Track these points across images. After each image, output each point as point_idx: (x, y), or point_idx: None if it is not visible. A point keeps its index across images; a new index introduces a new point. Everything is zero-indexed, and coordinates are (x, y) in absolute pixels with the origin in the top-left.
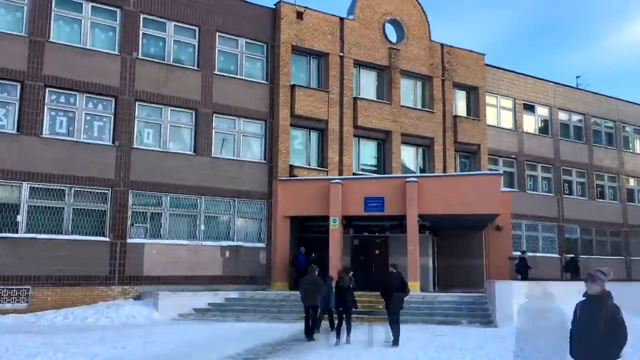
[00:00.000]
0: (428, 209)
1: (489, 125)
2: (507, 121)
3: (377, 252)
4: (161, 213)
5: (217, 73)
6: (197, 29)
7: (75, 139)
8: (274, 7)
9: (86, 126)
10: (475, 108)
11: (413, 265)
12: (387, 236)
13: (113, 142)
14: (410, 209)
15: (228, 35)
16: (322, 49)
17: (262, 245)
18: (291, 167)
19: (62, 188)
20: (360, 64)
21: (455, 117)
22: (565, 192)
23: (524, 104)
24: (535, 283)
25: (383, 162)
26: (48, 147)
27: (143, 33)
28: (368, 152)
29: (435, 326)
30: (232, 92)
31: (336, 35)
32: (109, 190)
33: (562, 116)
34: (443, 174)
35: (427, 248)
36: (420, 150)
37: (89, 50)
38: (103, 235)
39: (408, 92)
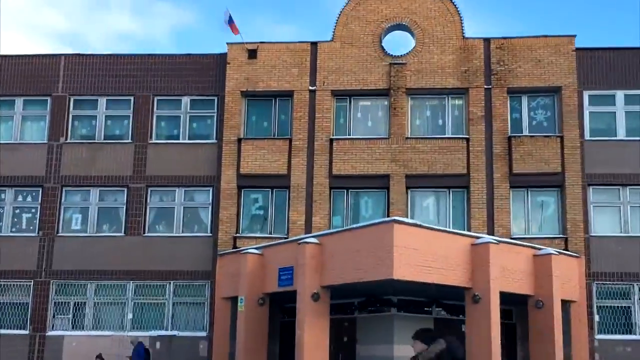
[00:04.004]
0: (329, 279)
1: (592, 140)
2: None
3: (345, 338)
4: (85, 302)
5: (154, 142)
6: (131, 98)
7: (2, 234)
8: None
9: (15, 219)
10: (559, 118)
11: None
12: (356, 317)
13: (38, 232)
14: (301, 281)
15: (168, 97)
16: (284, 87)
17: (203, 334)
18: (235, 238)
19: None
20: (344, 95)
21: (511, 138)
22: None
23: None
24: None
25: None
26: None
27: (73, 115)
28: (361, 206)
29: None
30: (171, 160)
31: (305, 65)
32: (30, 282)
33: None
34: (339, 229)
35: (390, 332)
36: (451, 193)
37: (16, 145)
38: (23, 328)
39: (427, 116)
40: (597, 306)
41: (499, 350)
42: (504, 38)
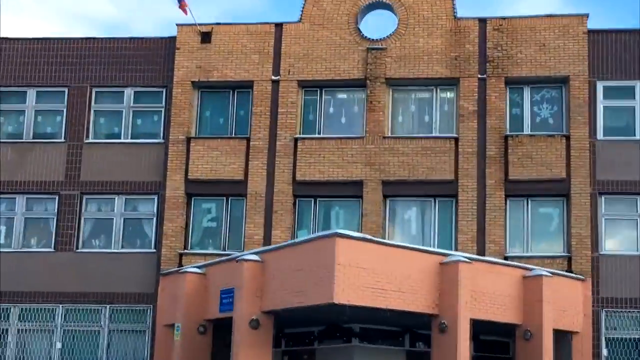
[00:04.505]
0: (270, 303)
1: (605, 140)
2: None
3: None
4: (7, 329)
5: (90, 141)
6: (65, 89)
7: None
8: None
9: None
10: (566, 114)
11: None
12: (315, 349)
13: None
14: (238, 305)
15: (108, 89)
16: (242, 77)
17: None
18: (181, 255)
19: None
20: (313, 86)
21: (508, 137)
22: None
23: None
24: None
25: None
26: None
27: None
28: (331, 218)
29: None
30: (110, 163)
31: (268, 51)
32: None
33: None
34: (281, 244)
35: None
36: (436, 203)
37: None
38: None
39: (410, 111)
40: (605, 338)
41: None
42: (503, 18)
